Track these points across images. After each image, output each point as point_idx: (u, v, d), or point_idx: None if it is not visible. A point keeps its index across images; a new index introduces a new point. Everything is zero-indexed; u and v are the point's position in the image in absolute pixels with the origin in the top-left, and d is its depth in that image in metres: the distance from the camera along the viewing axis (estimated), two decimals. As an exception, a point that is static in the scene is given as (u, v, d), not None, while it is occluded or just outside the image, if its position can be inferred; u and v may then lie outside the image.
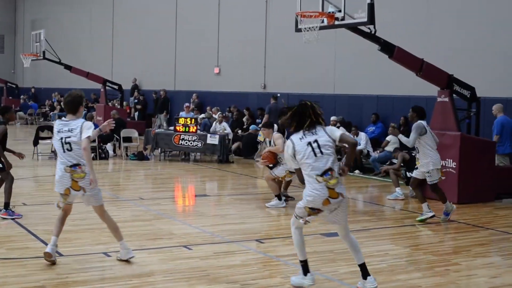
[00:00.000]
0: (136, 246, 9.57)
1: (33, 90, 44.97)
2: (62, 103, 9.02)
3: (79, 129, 8.48)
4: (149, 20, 33.63)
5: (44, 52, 31.62)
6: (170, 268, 8.67)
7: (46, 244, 9.75)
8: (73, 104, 8.65)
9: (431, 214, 12.10)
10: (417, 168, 12.46)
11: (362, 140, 19.50)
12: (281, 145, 13.31)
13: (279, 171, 13.56)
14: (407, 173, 15.14)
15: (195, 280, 8.15)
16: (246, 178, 17.98)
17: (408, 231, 11.50)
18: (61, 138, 8.52)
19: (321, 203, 7.33)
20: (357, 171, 19.01)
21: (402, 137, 12.56)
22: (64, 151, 8.50)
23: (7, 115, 11.94)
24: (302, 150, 7.43)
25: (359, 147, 19.13)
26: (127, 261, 8.83)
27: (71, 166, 8.48)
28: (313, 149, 7.41)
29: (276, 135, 13.81)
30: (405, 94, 19.46)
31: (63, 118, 8.76)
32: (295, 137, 7.54)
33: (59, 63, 31.33)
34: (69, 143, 8.47)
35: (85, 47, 40.08)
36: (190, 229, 11.26)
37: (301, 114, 7.54)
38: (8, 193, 11.68)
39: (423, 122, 12.19)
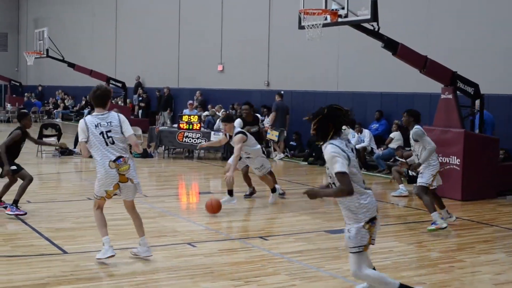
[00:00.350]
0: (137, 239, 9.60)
1: (40, 88, 45.00)
2: (89, 97, 8.88)
3: (118, 123, 8.55)
4: (152, 17, 33.62)
5: (47, 50, 31.68)
6: (174, 265, 8.69)
7: (50, 241, 9.81)
8: (104, 97, 8.62)
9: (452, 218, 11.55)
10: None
11: (366, 137, 19.49)
12: (237, 151, 12.71)
13: (266, 168, 13.37)
14: (409, 171, 15.10)
15: (199, 277, 8.16)
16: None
17: (412, 228, 11.49)
18: (101, 133, 8.41)
19: (376, 210, 6.77)
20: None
21: (423, 158, 11.22)
22: (107, 144, 8.42)
23: (23, 121, 11.99)
24: (354, 161, 6.68)
25: (363, 144, 19.13)
26: (134, 256, 8.89)
27: (115, 161, 8.43)
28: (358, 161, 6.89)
29: (237, 137, 12.78)
30: (409, 91, 19.44)
31: (93, 114, 8.61)
32: (340, 143, 6.66)
33: (63, 61, 31.38)
34: (111, 137, 8.45)
35: (88, 45, 40.10)
36: (194, 227, 11.27)
37: (335, 117, 6.74)
38: (21, 191, 11.75)
39: (420, 127, 11.50)
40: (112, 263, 8.58)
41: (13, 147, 11.85)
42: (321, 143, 6.85)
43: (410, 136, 11.50)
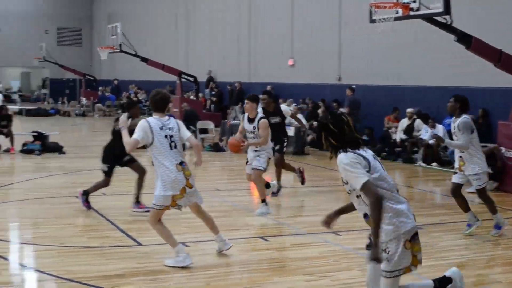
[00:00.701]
0: (213, 237, 9.66)
1: (115, 82, 45.69)
2: (149, 101, 8.91)
3: (177, 127, 8.45)
4: (223, 11, 33.82)
5: (120, 45, 32.07)
6: (246, 259, 8.74)
7: (125, 233, 9.96)
8: (163, 102, 8.54)
9: (479, 223, 10.53)
10: (456, 173, 10.62)
11: (440, 132, 19.17)
12: (266, 137, 11.84)
13: (263, 162, 11.91)
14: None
15: (271, 272, 8.18)
16: (322, 170, 17.92)
17: (487, 225, 11.25)
18: (166, 136, 8.28)
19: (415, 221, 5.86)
20: (434, 164, 18.76)
21: (451, 143, 10.52)
22: (171, 148, 8.28)
23: (132, 110, 11.53)
24: (377, 166, 5.77)
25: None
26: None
27: (180, 163, 8.29)
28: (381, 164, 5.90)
29: (264, 122, 11.88)
30: (484, 86, 19.07)
31: (155, 117, 8.44)
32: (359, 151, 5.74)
33: (136, 55, 31.75)
34: (174, 141, 8.33)
35: (161, 40, 40.59)
36: (266, 221, 11.30)
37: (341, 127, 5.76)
38: (96, 187, 11.89)
39: (469, 118, 10.47)
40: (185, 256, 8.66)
41: (118, 141, 11.58)
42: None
43: (456, 124, 10.26)
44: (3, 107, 21.60)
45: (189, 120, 22.37)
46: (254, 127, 11.89)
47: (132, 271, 8.06)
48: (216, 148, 21.67)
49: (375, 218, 5.47)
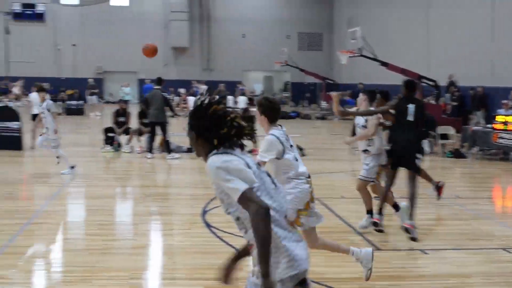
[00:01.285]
0: (453, 245, 9.47)
1: (361, 86, 45.91)
2: (265, 111, 7.38)
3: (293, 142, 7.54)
4: (465, 12, 32.88)
5: (360, 49, 32.19)
6: (488, 270, 8.44)
7: (364, 237, 9.96)
8: (279, 111, 7.54)
9: None
10: None
11: None
12: (372, 130, 10.38)
13: (370, 172, 10.52)
14: None
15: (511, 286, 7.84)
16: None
17: None
18: (292, 146, 7.44)
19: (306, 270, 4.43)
20: None
21: None
22: (301, 156, 7.62)
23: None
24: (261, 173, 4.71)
25: None
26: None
27: (309, 176, 7.40)
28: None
29: (374, 118, 10.48)
30: None
31: (274, 128, 7.40)
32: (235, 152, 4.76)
33: (375, 59, 31.73)
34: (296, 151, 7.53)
35: (400, 43, 40.26)
36: (511, 232, 10.82)
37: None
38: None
39: None
40: (425, 264, 8.56)
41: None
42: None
43: None
44: (247, 110, 22.51)
45: (428, 125, 21.97)
46: (365, 120, 10.56)
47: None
48: (456, 154, 21.10)
49: (261, 246, 4.06)
